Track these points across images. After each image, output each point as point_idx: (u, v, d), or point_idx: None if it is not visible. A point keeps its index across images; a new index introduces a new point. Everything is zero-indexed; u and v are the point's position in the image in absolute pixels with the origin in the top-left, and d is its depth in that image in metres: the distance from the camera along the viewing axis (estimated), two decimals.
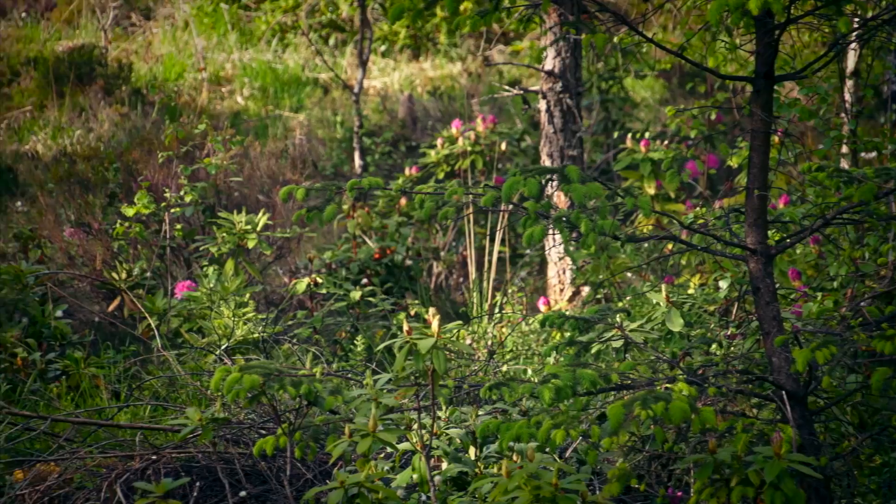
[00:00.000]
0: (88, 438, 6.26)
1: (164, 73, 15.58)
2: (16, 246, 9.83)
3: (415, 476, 5.13)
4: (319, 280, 8.46)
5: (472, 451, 5.29)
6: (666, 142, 10.69)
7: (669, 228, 6.70)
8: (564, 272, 8.93)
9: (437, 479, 5.22)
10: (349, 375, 6.54)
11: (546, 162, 8.90)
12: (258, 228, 8.65)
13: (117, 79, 15.41)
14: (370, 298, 8.75)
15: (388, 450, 5.47)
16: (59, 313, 8.27)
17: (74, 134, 13.86)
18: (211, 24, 16.56)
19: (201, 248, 8.85)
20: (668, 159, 9.72)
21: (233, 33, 16.30)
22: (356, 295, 8.65)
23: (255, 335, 7.53)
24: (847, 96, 8.87)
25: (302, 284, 8.38)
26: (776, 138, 7.10)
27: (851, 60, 9.09)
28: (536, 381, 4.74)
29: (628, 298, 7.34)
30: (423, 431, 5.11)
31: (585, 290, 8.71)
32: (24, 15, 17.29)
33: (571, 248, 7.49)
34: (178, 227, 9.13)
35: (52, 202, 9.96)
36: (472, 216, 9.47)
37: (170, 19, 16.98)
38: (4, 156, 13.61)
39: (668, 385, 4.61)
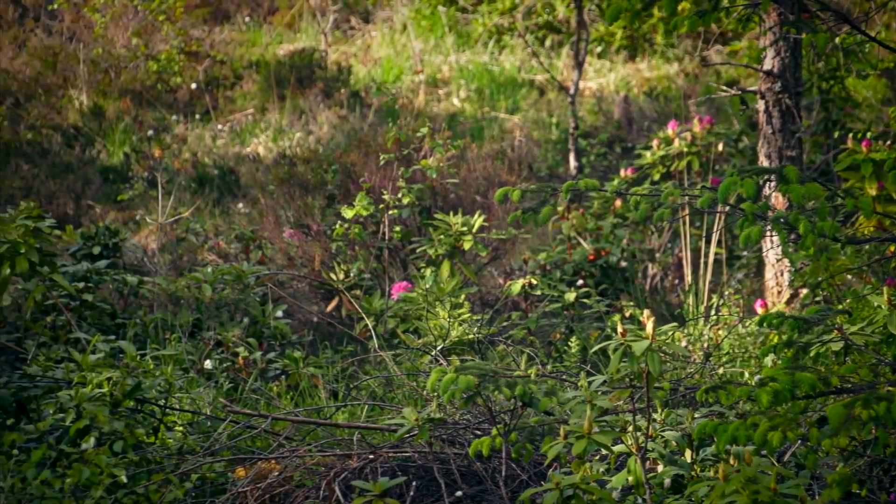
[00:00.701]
0: (307, 437, 6.35)
1: (383, 75, 15.77)
2: (238, 247, 10.06)
3: (630, 478, 5.08)
4: (534, 281, 8.45)
5: (688, 453, 5.22)
6: (888, 142, 10.40)
7: (892, 230, 6.52)
8: (782, 274, 8.76)
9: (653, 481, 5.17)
10: (564, 377, 6.52)
11: (764, 162, 8.74)
12: (474, 230, 8.69)
13: (336, 81, 15.66)
14: (585, 300, 8.71)
15: (603, 452, 5.44)
16: (279, 313, 8.42)
17: (294, 136, 14.13)
18: (428, 26, 16.70)
19: (418, 250, 8.93)
20: (890, 160, 9.43)
21: (450, 35, 16.41)
22: (571, 296, 8.62)
23: (471, 336, 7.55)
24: None
25: (517, 286, 8.39)
26: None
27: None
28: (753, 384, 4.66)
29: (848, 301, 7.17)
30: (639, 434, 5.06)
31: (803, 292, 8.53)
32: (247, 19, 17.69)
33: (790, 250, 7.35)
34: (396, 228, 9.22)
35: (273, 204, 10.15)
36: (687, 217, 9.36)
37: (388, 22, 17.19)
38: (227, 158, 13.95)
39: (889, 388, 4.49)
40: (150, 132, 14.74)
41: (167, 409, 6.30)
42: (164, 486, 5.65)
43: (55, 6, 17.34)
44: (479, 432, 5.99)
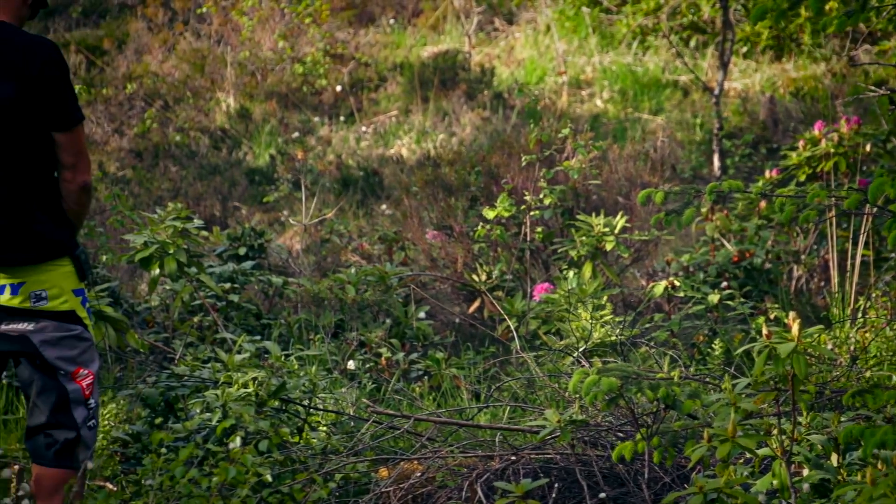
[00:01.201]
0: (450, 438, 6.37)
1: (526, 76, 15.77)
2: (381, 248, 10.13)
3: (775, 482, 5.02)
4: (677, 283, 8.39)
5: (833, 457, 5.14)
6: None
7: None
8: None
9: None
10: (707, 379, 6.46)
11: None
12: (616, 231, 8.65)
13: (479, 83, 15.70)
14: (728, 302, 8.62)
15: (748, 455, 5.38)
16: (421, 314, 8.47)
17: (438, 138, 14.19)
18: (572, 27, 16.66)
19: (559, 251, 8.91)
20: None
21: (593, 36, 16.36)
22: (714, 298, 8.53)
23: (613, 338, 7.52)
24: None
25: (659, 287, 8.33)
26: None
27: None
28: None
29: None
30: (784, 437, 5.00)
31: None
32: (391, 21, 17.81)
33: None
34: (538, 229, 9.22)
35: (416, 205, 10.21)
36: (834, 219, 9.21)
37: (532, 23, 17.18)
38: (371, 160, 14.05)
39: None
40: (296, 134, 14.91)
41: (311, 409, 6.37)
42: (309, 485, 5.71)
43: (203, 10, 17.63)
44: (621, 434, 5.96)
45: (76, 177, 4.94)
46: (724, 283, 9.03)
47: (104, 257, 9.33)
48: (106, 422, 6.76)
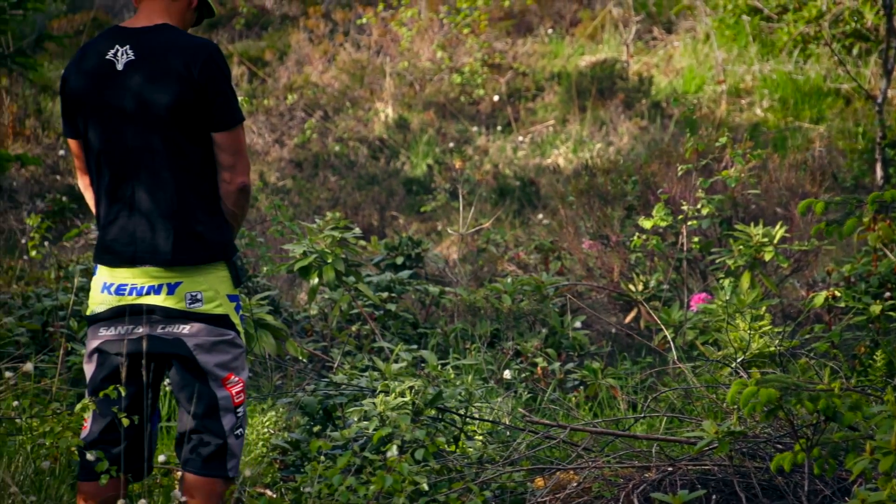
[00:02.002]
0: (606, 448, 6.35)
1: (684, 85, 15.66)
2: (537, 258, 10.13)
3: None
4: (837, 293, 8.25)
5: None
6: None
7: None
8: None
9: None
10: (868, 391, 6.35)
11: None
12: (775, 241, 8.54)
13: (637, 92, 15.63)
14: (891, 313, 8.45)
15: None
16: (577, 324, 8.45)
17: (595, 147, 14.16)
18: (732, 36, 16.49)
19: (717, 261, 8.83)
20: None
21: (754, 45, 16.17)
22: (876, 309, 8.37)
23: (772, 348, 7.43)
24: None
25: (819, 298, 8.20)
26: None
27: None
28: None
29: None
30: None
31: None
32: (549, 31, 17.82)
33: None
34: (695, 239, 9.14)
35: (572, 214, 10.20)
36: None
37: (691, 32, 17.05)
38: (527, 169, 14.07)
39: None
40: (453, 144, 14.99)
41: (467, 419, 6.39)
42: (465, 494, 5.73)
43: (364, 21, 17.83)
44: (780, 446, 5.89)
45: (235, 177, 5.01)
46: (887, 294, 8.86)
47: (265, 267, 9.47)
48: (265, 429, 6.86)
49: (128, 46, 4.93)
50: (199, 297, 4.97)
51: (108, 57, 4.94)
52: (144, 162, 4.93)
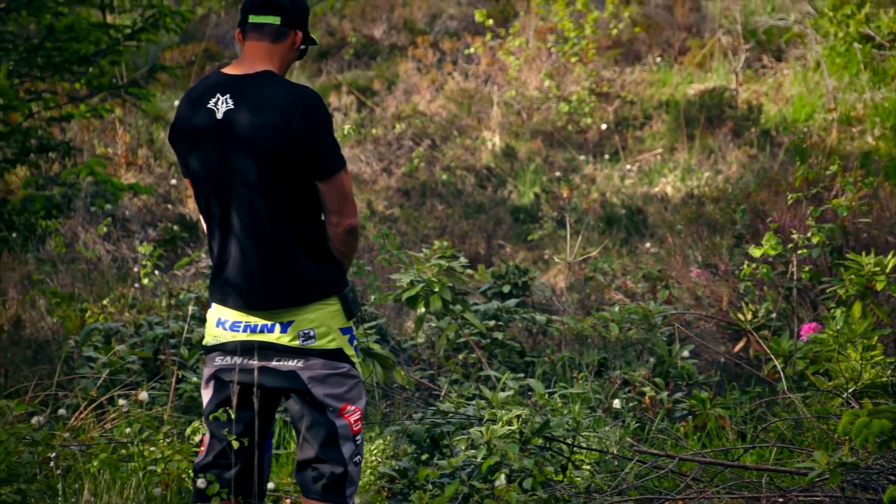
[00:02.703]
0: (715, 479, 6.30)
1: (794, 113, 15.52)
2: (645, 286, 10.09)
3: None
4: None
5: None
6: None
7: None
8: None
9: None
10: None
11: None
12: (887, 270, 8.43)
13: (746, 120, 15.53)
14: None
15: None
16: (685, 353, 8.40)
17: (703, 176, 14.08)
18: (843, 63, 16.32)
19: (828, 290, 8.73)
20: None
21: (865, 73, 15.99)
22: None
23: (884, 379, 7.33)
24: None
25: None
26: None
27: None
28: None
29: None
30: None
31: None
32: (657, 60, 17.77)
33: None
34: (806, 268, 9.06)
35: (681, 243, 10.15)
36: None
37: (801, 60, 16.91)
38: (635, 198, 14.03)
39: None
40: (560, 172, 14.99)
41: (575, 448, 6.38)
42: None
43: (472, 50, 17.91)
44: (893, 478, 5.81)
45: (342, 220, 5.06)
46: None
47: (372, 296, 9.53)
48: (373, 457, 6.90)
49: (228, 95, 5.00)
50: (311, 333, 5.05)
51: (209, 105, 5.01)
52: (246, 209, 5.01)
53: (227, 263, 5.08)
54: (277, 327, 5.04)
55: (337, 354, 5.09)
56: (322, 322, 5.05)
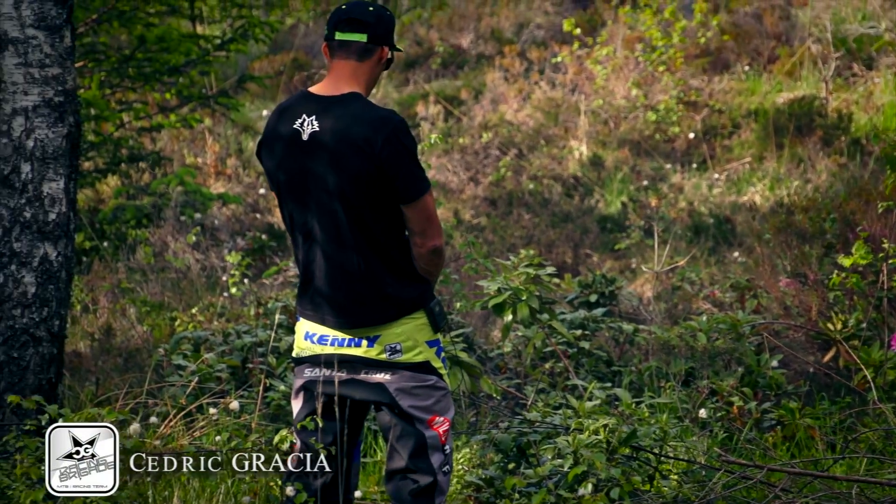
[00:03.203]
0: (804, 489, 6.26)
1: (884, 122, 15.35)
2: (732, 296, 10.02)
3: None
4: None
5: None
6: None
7: None
8: None
9: None
10: None
11: None
12: None
13: (836, 129, 15.38)
14: None
15: None
16: (774, 363, 8.33)
17: (792, 185, 13.96)
18: None
19: None
20: None
21: None
22: None
23: None
24: None
25: None
26: None
27: None
28: None
29: None
30: None
31: None
32: (746, 68, 17.65)
33: None
34: None
35: (769, 253, 10.07)
36: None
37: (892, 69, 16.73)
38: (723, 207, 13.94)
39: None
40: (647, 181, 14.94)
41: (662, 457, 6.36)
42: None
43: (559, 59, 17.90)
44: None
45: (426, 242, 5.08)
46: None
47: (458, 304, 9.55)
48: (460, 466, 6.91)
49: (314, 117, 5.03)
50: (398, 347, 5.08)
51: (295, 126, 5.06)
52: (330, 230, 5.05)
53: (313, 280, 5.14)
54: (364, 342, 5.09)
55: (424, 367, 5.12)
56: (409, 336, 5.08)
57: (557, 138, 16.51)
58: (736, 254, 12.40)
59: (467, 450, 7.06)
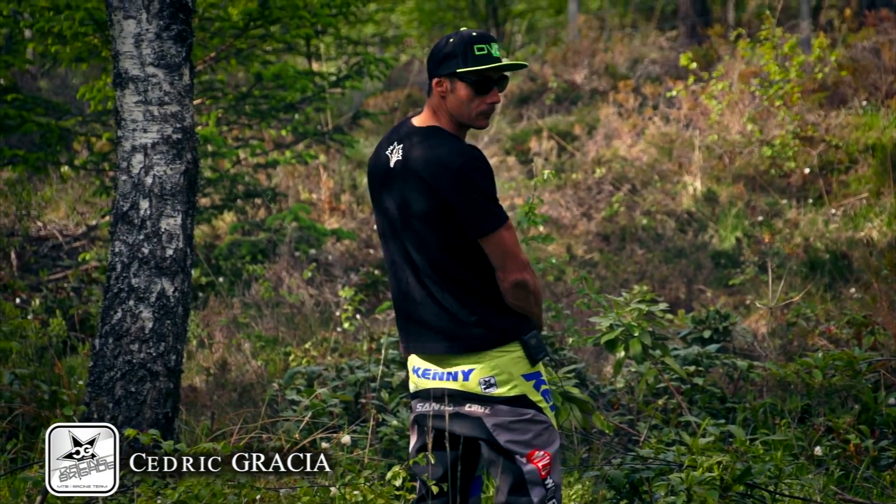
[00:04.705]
0: None
1: None
2: (849, 332, 9.89)
3: None
4: None
5: None
6: None
7: None
8: None
9: None
10: None
11: None
12: None
13: None
14: None
15: None
16: (891, 400, 8.21)
17: None
18: None
19: None
20: None
21: None
22: None
23: None
24: None
25: None
26: None
27: None
28: None
29: None
30: None
31: None
32: (863, 103, 17.45)
33: None
34: None
35: (886, 289, 9.94)
36: None
37: None
38: (839, 242, 13.78)
39: None
40: (762, 217, 14.81)
41: (777, 495, 6.29)
42: None
43: (673, 94, 17.84)
44: None
45: (507, 276, 5.06)
46: None
47: (570, 339, 9.53)
48: (572, 502, 6.89)
49: (401, 147, 5.11)
50: (492, 381, 5.09)
51: (387, 152, 5.15)
52: (410, 260, 5.12)
53: (401, 312, 5.22)
54: (460, 375, 5.10)
55: (521, 401, 5.11)
56: (503, 369, 5.08)
57: (671, 174, 16.44)
58: (852, 290, 12.24)
59: (580, 486, 7.04)
